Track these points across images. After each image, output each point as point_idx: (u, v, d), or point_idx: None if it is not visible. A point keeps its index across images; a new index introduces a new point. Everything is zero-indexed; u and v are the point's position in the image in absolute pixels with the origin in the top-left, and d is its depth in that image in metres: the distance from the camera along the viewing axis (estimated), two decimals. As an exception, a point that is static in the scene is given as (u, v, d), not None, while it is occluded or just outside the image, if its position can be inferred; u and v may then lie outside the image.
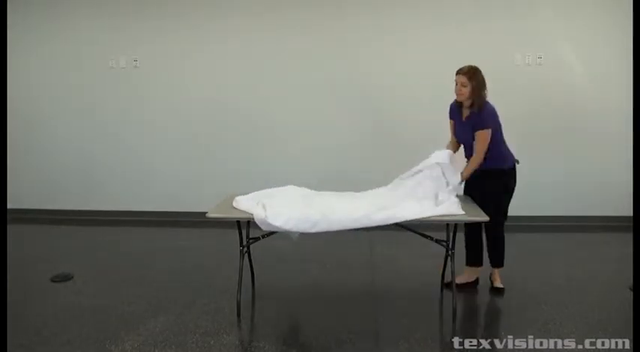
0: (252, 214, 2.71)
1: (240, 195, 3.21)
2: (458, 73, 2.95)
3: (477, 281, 3.22)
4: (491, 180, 2.99)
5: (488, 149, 2.92)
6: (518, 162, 3.08)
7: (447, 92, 4.54)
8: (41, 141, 5.13)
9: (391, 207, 2.71)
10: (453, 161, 3.00)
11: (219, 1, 4.75)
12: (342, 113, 4.76)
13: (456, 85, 2.95)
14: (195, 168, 4.97)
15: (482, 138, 2.91)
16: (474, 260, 3.22)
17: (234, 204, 2.89)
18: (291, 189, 3.11)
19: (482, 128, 2.91)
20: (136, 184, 5.07)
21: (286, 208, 2.71)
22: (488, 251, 3.16)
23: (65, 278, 3.44)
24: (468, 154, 3.08)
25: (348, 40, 4.67)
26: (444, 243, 2.84)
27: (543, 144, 4.50)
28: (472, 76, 2.90)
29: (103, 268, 3.68)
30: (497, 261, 3.15)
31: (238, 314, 2.86)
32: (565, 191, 4.57)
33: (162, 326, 2.73)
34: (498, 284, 3.14)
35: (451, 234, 2.82)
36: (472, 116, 2.96)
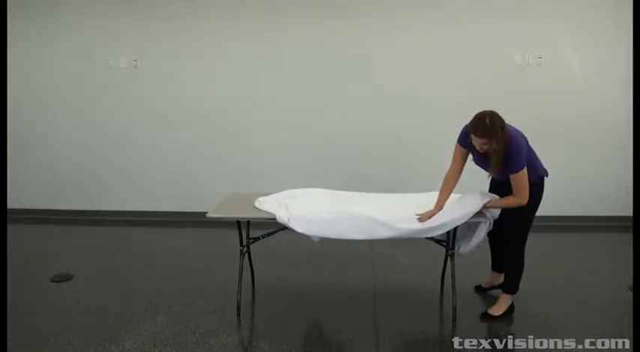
0: (274, 215, 2.72)
1: (240, 194, 3.23)
2: (474, 132, 2.53)
3: (503, 285, 2.96)
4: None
5: None
6: (547, 174, 2.76)
7: (447, 92, 4.59)
8: (41, 141, 5.12)
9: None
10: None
11: (219, 1, 4.75)
12: (343, 113, 4.75)
13: (475, 140, 2.57)
14: (195, 168, 4.97)
15: (521, 179, 2.56)
16: (498, 266, 3.07)
17: (257, 205, 2.89)
18: (312, 191, 3.11)
19: (516, 171, 2.56)
20: (135, 184, 5.07)
21: (310, 212, 2.68)
22: (505, 273, 2.93)
23: (65, 278, 3.44)
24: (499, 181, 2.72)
25: (347, 39, 4.66)
26: (444, 244, 2.84)
27: (543, 144, 4.43)
28: (491, 135, 2.48)
29: (103, 268, 3.68)
30: (508, 286, 2.85)
31: (238, 314, 2.86)
32: (565, 191, 4.56)
33: (162, 326, 2.74)
34: (494, 311, 2.83)
35: (451, 235, 2.81)
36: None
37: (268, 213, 2.76)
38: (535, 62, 4.54)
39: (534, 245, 3.61)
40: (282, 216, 2.67)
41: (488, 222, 2.71)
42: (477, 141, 2.54)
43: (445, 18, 4.58)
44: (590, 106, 4.56)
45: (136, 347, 2.52)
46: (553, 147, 4.50)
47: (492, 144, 2.49)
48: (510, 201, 2.63)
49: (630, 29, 4.03)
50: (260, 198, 2.98)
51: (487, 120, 2.48)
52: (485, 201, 2.66)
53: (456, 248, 2.81)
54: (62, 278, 3.43)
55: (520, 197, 2.59)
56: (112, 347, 2.51)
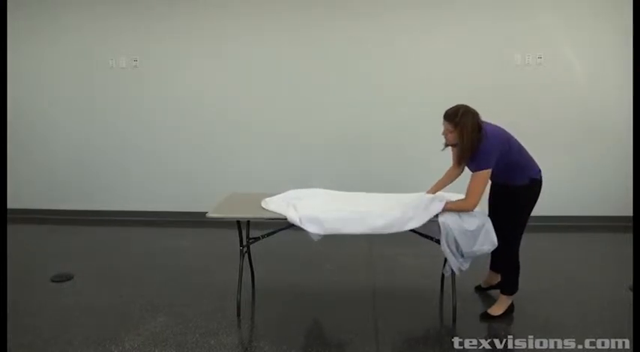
0: (276, 215, 2.72)
1: (240, 194, 3.23)
2: (444, 116, 2.61)
3: (500, 285, 2.96)
4: (509, 198, 2.68)
5: (504, 170, 2.61)
6: (540, 175, 2.71)
7: (447, 92, 4.58)
8: (41, 141, 5.12)
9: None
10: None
11: (219, 1, 4.75)
12: (343, 113, 4.75)
13: (443, 124, 2.64)
14: (195, 168, 4.97)
15: (477, 179, 2.56)
16: (496, 266, 3.05)
17: (263, 205, 2.88)
18: (316, 191, 3.12)
19: (478, 169, 2.57)
20: (135, 184, 5.07)
21: (320, 212, 2.68)
22: (501, 274, 2.94)
23: (65, 278, 3.44)
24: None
25: (347, 39, 4.66)
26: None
27: (543, 145, 4.48)
28: (457, 122, 2.54)
29: (103, 268, 3.68)
30: (505, 287, 2.86)
31: (238, 314, 2.86)
32: (565, 191, 4.56)
33: (162, 326, 2.74)
34: (493, 311, 2.83)
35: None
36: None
37: (274, 212, 2.76)
38: (535, 62, 4.54)
39: (534, 245, 3.63)
40: (293, 217, 2.66)
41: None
42: (444, 126, 2.62)
43: (445, 18, 4.58)
44: (590, 106, 4.56)
45: (136, 347, 2.52)
46: (553, 147, 4.52)
47: (456, 134, 2.56)
48: (457, 205, 2.61)
49: (630, 29, 4.02)
50: (267, 199, 2.97)
51: (460, 112, 2.55)
52: (437, 206, 2.61)
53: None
54: (62, 278, 3.43)
55: (467, 200, 2.57)
56: (112, 347, 2.51)
